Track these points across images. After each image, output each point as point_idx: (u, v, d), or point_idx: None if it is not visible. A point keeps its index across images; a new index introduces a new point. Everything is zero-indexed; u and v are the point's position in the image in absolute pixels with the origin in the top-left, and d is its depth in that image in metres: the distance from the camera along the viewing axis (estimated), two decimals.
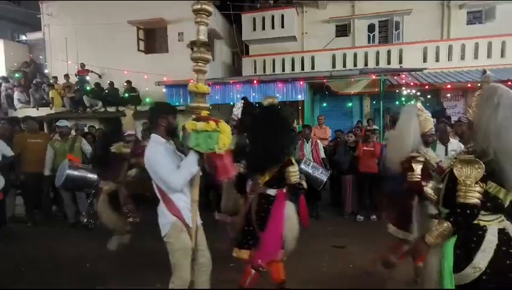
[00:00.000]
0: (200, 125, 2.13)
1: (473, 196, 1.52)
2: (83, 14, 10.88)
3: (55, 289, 3.05)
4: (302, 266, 3.36)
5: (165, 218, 2.16)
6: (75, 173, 4.47)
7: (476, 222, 1.55)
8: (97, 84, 10.39)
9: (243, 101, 3.42)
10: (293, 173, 2.52)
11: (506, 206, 1.55)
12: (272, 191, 2.56)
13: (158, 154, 2.11)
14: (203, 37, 2.53)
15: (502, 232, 1.54)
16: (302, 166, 4.79)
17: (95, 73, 10.88)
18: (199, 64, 2.53)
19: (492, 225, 1.56)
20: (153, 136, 2.23)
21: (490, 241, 1.52)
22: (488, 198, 1.54)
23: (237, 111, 3.32)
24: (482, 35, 10.06)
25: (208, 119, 2.23)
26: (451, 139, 4.51)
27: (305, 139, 5.41)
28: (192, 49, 2.53)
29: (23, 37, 14.42)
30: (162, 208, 2.17)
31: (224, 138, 2.11)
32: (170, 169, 2.08)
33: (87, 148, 5.23)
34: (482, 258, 1.50)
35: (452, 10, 10.83)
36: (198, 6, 2.44)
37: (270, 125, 2.46)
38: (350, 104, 10.15)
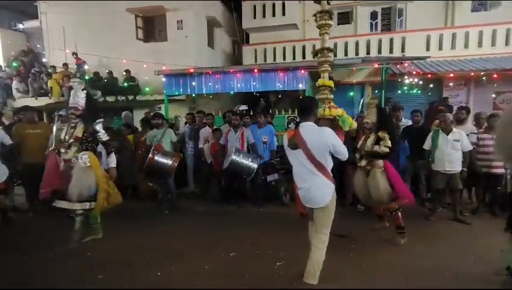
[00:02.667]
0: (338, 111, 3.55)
1: None
2: (81, 1, 10.68)
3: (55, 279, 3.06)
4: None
5: (329, 187, 2.64)
6: None
7: None
8: (96, 74, 10.28)
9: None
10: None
11: None
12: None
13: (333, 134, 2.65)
14: (327, 44, 3.88)
15: None
16: (233, 156, 4.92)
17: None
18: (325, 65, 3.80)
19: None
20: (310, 122, 2.71)
21: None
22: None
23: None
24: (486, 22, 9.88)
25: (335, 107, 3.63)
26: (454, 129, 4.48)
27: (232, 128, 5.53)
28: (316, 54, 3.96)
29: (20, 26, 14.22)
30: (324, 180, 2.62)
31: (350, 120, 3.64)
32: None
33: None
34: None
35: None
36: (323, 22, 3.76)
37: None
38: (352, 94, 10.05)
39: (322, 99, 3.86)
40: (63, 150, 3.73)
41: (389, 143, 3.65)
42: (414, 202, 3.87)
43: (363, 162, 3.85)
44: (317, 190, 2.62)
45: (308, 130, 2.66)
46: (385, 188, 3.65)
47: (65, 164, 3.73)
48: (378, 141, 3.73)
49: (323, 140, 2.58)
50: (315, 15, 3.99)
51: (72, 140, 3.73)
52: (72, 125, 3.82)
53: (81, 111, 3.78)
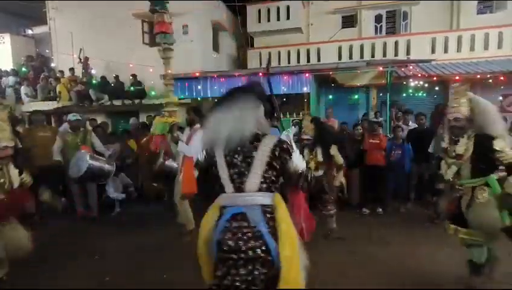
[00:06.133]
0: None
1: None
2: (88, 7, 10.86)
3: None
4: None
5: None
6: (96, 163, 4.52)
7: None
8: (103, 78, 10.43)
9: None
10: None
11: None
12: None
13: None
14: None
15: None
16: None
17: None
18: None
19: None
20: None
21: None
22: None
23: None
24: (492, 25, 9.83)
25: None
26: None
27: None
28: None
29: (30, 31, 14.50)
30: None
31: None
32: None
33: (96, 141, 5.27)
34: None
35: None
36: None
37: None
38: (356, 97, 10.04)
39: (167, 111, 5.18)
40: None
41: (340, 160, 3.90)
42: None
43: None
44: None
45: None
46: None
47: None
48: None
49: None
50: None
51: None
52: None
53: None
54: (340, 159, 3.92)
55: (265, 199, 1.59)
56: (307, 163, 3.75)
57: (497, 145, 2.50)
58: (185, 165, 3.95)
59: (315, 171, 3.81)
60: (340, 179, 4.22)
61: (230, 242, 1.52)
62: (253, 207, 1.56)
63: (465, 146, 2.70)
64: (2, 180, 2.70)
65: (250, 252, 1.50)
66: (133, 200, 5.77)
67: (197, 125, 4.20)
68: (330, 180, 4.05)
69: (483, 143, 2.56)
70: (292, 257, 1.50)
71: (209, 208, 1.68)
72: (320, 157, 3.89)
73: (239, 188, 1.59)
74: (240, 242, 1.51)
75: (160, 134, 4.46)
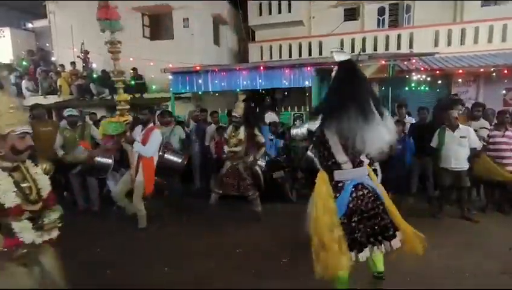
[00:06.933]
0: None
1: None
2: (88, 1, 10.78)
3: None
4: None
5: None
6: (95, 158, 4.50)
7: None
8: (103, 72, 10.39)
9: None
10: None
11: None
12: None
13: None
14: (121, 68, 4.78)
15: None
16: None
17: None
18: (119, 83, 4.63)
19: None
20: None
21: None
22: None
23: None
24: (497, 17, 9.69)
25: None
26: (460, 125, 4.43)
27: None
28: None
29: (30, 25, 14.42)
30: None
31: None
32: None
33: (96, 134, 5.26)
34: None
35: None
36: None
37: None
38: None
39: (120, 110, 4.53)
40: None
41: (262, 139, 4.38)
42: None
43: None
44: None
45: None
46: None
47: None
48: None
49: None
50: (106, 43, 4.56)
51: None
52: None
53: None
54: (261, 139, 4.40)
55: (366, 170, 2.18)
56: (228, 139, 4.33)
57: None
58: (144, 166, 3.98)
59: (234, 147, 4.31)
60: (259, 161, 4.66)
61: (361, 205, 2.07)
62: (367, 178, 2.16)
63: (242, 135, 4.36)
64: (25, 184, 1.65)
65: (376, 209, 2.10)
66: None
67: (151, 125, 4.24)
68: (250, 166, 4.41)
69: None
70: (391, 207, 2.16)
71: (318, 189, 2.09)
72: (241, 136, 4.30)
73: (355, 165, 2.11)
74: (369, 204, 2.09)
75: (114, 134, 4.26)
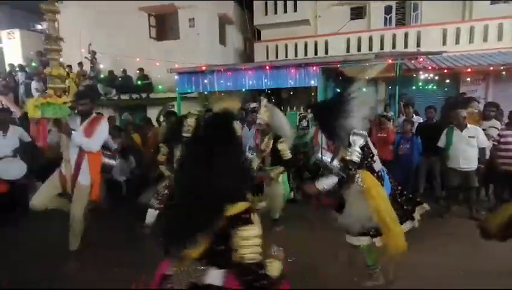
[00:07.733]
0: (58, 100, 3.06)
1: None
2: (95, 1, 10.89)
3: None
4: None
5: None
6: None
7: None
8: (110, 72, 10.50)
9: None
10: None
11: None
12: None
13: None
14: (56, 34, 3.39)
15: None
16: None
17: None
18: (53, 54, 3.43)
19: None
20: None
21: None
22: None
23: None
24: (507, 15, 9.52)
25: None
26: (469, 125, 4.37)
27: (247, 125, 5.41)
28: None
29: (39, 26, 14.62)
30: None
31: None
32: None
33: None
34: None
35: None
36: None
37: None
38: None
39: (52, 88, 3.31)
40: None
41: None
42: None
43: None
44: None
45: None
46: None
47: None
48: None
49: None
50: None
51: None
52: None
53: None
54: (288, 154, 4.04)
55: None
56: (258, 145, 4.00)
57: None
58: (91, 164, 3.30)
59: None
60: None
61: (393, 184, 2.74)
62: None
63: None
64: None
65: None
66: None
67: (94, 114, 3.52)
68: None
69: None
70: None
71: (370, 182, 2.47)
72: (266, 146, 4.00)
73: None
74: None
75: (53, 118, 3.27)
